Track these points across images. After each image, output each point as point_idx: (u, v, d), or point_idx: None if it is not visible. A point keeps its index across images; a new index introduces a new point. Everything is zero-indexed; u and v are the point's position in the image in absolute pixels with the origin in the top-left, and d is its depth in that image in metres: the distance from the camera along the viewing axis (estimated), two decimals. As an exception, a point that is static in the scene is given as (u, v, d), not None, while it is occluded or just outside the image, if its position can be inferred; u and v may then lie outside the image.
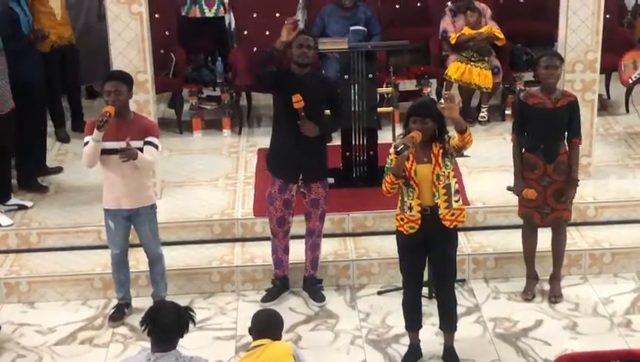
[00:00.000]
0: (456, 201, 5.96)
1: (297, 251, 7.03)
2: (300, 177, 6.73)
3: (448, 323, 6.22)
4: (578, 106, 6.71)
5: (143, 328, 4.86)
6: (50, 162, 8.59)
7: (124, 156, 6.27)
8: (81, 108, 9.47)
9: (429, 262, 6.20)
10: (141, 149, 6.38)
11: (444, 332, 6.27)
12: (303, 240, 7.01)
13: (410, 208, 5.92)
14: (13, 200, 7.83)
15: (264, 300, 6.98)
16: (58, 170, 8.53)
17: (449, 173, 5.89)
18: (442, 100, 5.85)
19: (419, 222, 5.92)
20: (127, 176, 6.44)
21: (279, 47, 6.56)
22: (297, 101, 6.49)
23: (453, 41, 9.16)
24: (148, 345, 4.94)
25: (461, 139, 5.77)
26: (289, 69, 6.66)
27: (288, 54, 6.64)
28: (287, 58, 6.73)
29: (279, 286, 7.05)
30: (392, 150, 5.80)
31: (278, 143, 6.78)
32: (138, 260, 7.07)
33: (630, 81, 9.07)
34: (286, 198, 6.76)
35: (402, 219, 5.98)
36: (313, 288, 7.05)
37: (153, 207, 6.66)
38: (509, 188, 6.89)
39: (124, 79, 6.46)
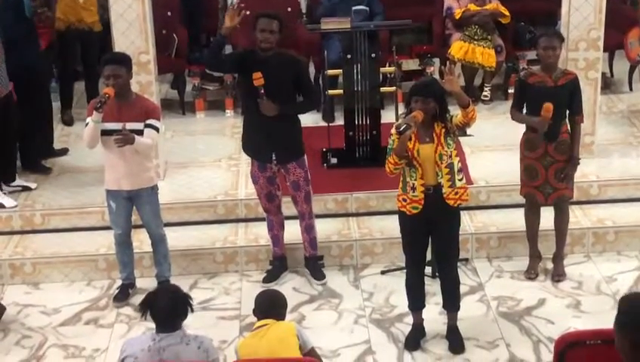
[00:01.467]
0: (460, 180, 5.94)
1: (298, 231, 7.03)
2: (273, 158, 6.71)
3: (452, 302, 6.22)
4: (579, 84, 6.68)
5: (141, 314, 4.90)
6: (54, 143, 8.57)
7: (120, 141, 6.26)
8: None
9: (432, 241, 6.19)
10: (141, 131, 6.39)
11: (447, 311, 6.27)
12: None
13: (414, 188, 5.90)
14: (17, 182, 7.83)
15: (265, 281, 7.00)
16: (64, 151, 8.51)
17: (451, 152, 5.87)
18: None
19: (422, 202, 5.90)
20: (128, 158, 6.43)
21: (224, 34, 6.51)
22: (257, 78, 6.41)
23: (458, 17, 9.13)
24: (152, 325, 4.96)
25: (465, 114, 5.74)
26: (254, 50, 6.60)
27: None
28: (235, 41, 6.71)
29: (278, 267, 7.07)
30: (394, 130, 5.79)
31: (247, 124, 6.79)
32: (142, 241, 7.07)
33: (638, 58, 9.05)
34: (268, 176, 6.76)
35: (405, 200, 5.97)
36: (314, 265, 7.06)
37: (154, 188, 6.65)
38: (531, 128, 6.56)
39: (123, 62, 6.41)
